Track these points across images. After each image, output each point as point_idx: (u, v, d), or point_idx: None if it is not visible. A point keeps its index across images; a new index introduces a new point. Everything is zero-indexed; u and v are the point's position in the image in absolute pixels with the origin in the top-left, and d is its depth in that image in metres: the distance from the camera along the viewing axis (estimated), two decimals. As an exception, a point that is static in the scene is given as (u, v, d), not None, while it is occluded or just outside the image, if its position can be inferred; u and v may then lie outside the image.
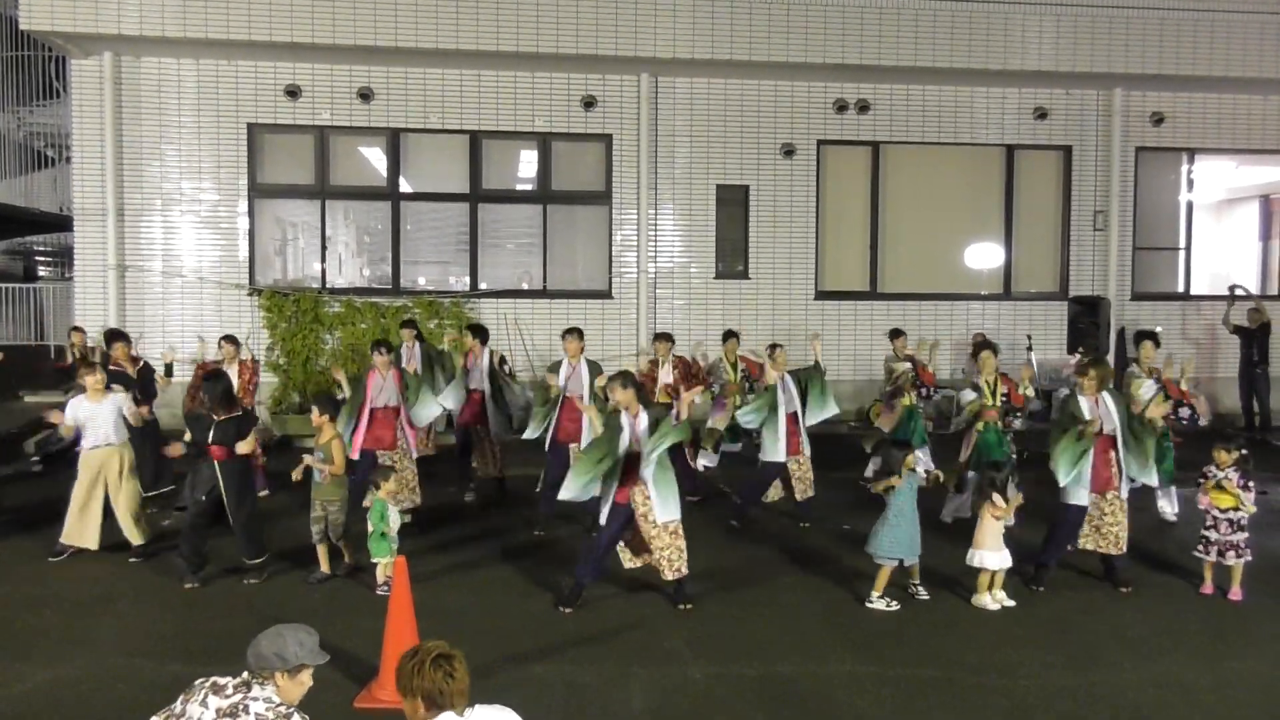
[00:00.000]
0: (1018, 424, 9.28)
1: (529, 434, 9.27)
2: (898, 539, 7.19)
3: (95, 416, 8.02)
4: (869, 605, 7.15)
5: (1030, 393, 9.06)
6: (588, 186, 14.19)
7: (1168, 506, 9.49)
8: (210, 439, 7.45)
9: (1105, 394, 7.68)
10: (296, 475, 7.82)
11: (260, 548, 7.68)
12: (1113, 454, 7.62)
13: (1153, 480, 7.91)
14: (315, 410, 7.85)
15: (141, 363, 10.22)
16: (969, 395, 9.10)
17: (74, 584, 7.53)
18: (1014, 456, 9.03)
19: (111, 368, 9.55)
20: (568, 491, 7.14)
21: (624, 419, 7.13)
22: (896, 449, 7.63)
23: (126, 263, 13.21)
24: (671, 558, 7.07)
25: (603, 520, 7.16)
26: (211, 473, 7.48)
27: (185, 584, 7.44)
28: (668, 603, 7.19)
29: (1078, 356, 8.30)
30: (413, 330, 10.98)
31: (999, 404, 9.01)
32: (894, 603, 7.16)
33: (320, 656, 3.49)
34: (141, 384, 9.77)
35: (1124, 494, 7.63)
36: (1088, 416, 7.54)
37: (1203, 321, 15.06)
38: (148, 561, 8.01)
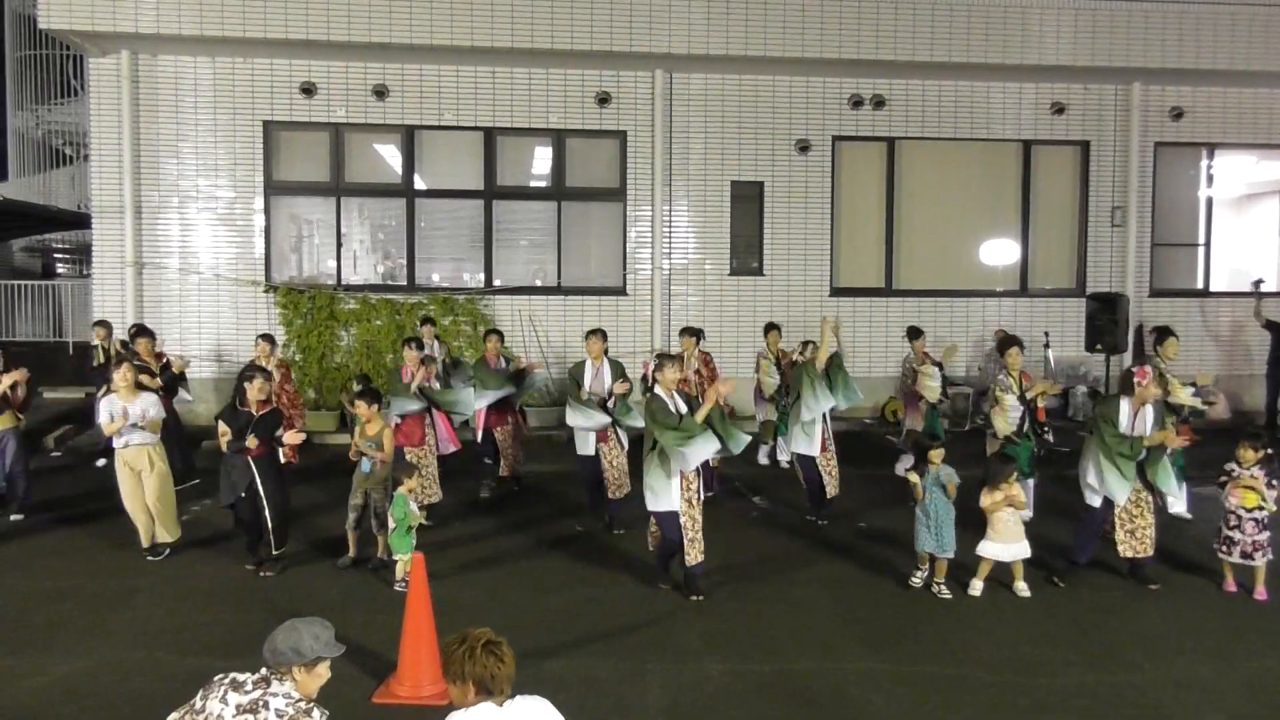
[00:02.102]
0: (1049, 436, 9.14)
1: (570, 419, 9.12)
2: (925, 534, 7.28)
3: (127, 414, 7.97)
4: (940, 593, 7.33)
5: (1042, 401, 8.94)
6: (602, 183, 14.18)
7: (1180, 505, 9.43)
8: (251, 432, 7.51)
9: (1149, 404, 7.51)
10: (353, 455, 7.97)
11: (286, 538, 7.81)
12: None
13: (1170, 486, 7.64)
14: (363, 403, 8.01)
15: (165, 359, 10.31)
16: (1009, 399, 8.91)
17: (94, 577, 7.58)
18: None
19: (135, 363, 9.64)
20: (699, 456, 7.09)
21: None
22: (925, 440, 7.58)
23: (144, 260, 13.28)
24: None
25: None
26: (245, 466, 7.54)
27: (262, 573, 7.63)
28: (684, 599, 7.19)
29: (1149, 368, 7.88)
30: (428, 334, 11.05)
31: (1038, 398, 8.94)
32: (945, 591, 7.30)
33: (336, 648, 3.51)
34: (165, 381, 9.86)
35: (1174, 509, 7.53)
36: (1124, 422, 7.38)
37: (1222, 318, 14.97)
38: (168, 556, 8.06)
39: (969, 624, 6.83)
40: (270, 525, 7.62)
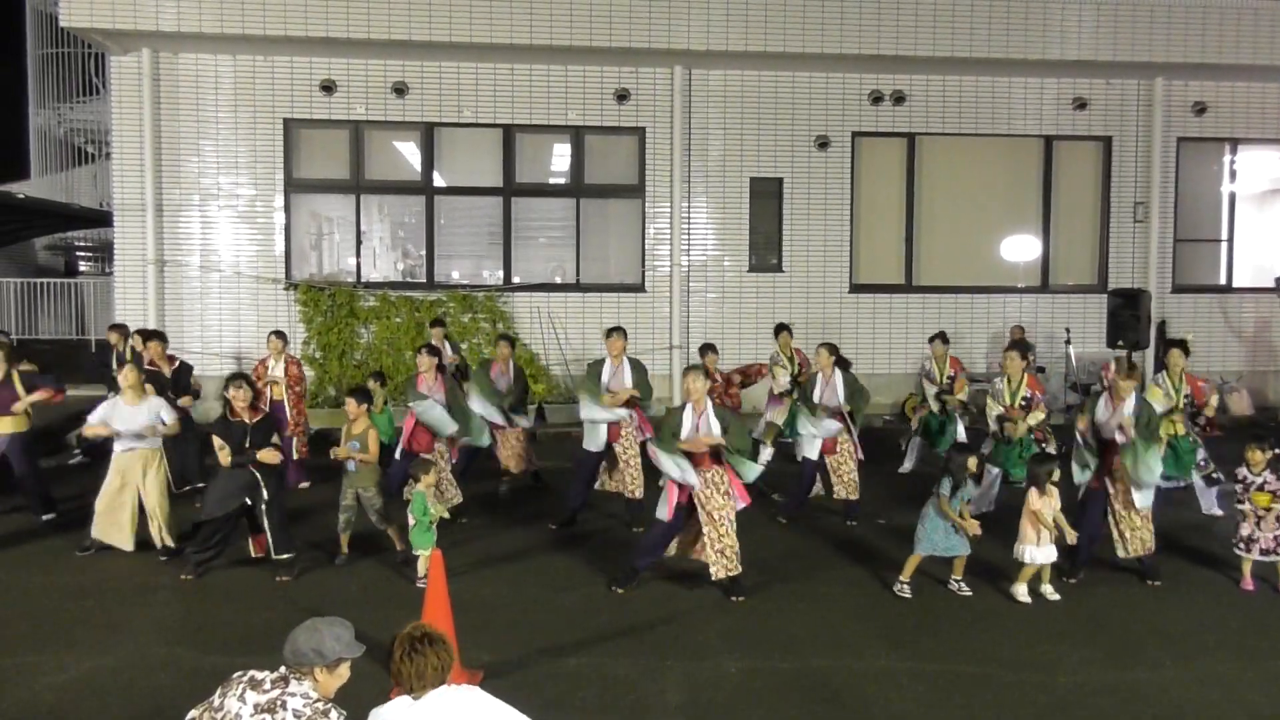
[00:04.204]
0: (1050, 448, 9.06)
1: (584, 413, 9.01)
2: (933, 535, 7.17)
3: (129, 420, 7.95)
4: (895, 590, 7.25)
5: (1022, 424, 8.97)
6: (621, 180, 14.18)
7: (1207, 503, 9.35)
8: (250, 442, 7.48)
9: (1129, 399, 7.51)
10: (342, 454, 7.91)
11: (293, 542, 7.72)
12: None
13: (1151, 485, 7.49)
14: (352, 402, 7.98)
15: (177, 362, 10.28)
16: (994, 409, 9.06)
17: (117, 575, 7.63)
18: (1046, 449, 8.85)
19: (147, 367, 9.63)
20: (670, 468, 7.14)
21: (687, 413, 7.18)
22: (958, 454, 7.41)
23: (165, 258, 13.37)
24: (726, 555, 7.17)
25: (661, 514, 7.24)
26: (251, 476, 7.48)
27: (183, 575, 7.49)
28: (702, 596, 7.19)
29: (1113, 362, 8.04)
30: (437, 335, 11.01)
31: (1018, 405, 8.89)
32: (906, 589, 7.23)
33: (357, 649, 3.50)
34: (175, 383, 9.84)
35: (1140, 503, 7.39)
36: (1101, 416, 7.54)
37: (1245, 314, 14.83)
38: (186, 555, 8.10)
39: (989, 622, 6.79)
40: (270, 531, 7.53)
